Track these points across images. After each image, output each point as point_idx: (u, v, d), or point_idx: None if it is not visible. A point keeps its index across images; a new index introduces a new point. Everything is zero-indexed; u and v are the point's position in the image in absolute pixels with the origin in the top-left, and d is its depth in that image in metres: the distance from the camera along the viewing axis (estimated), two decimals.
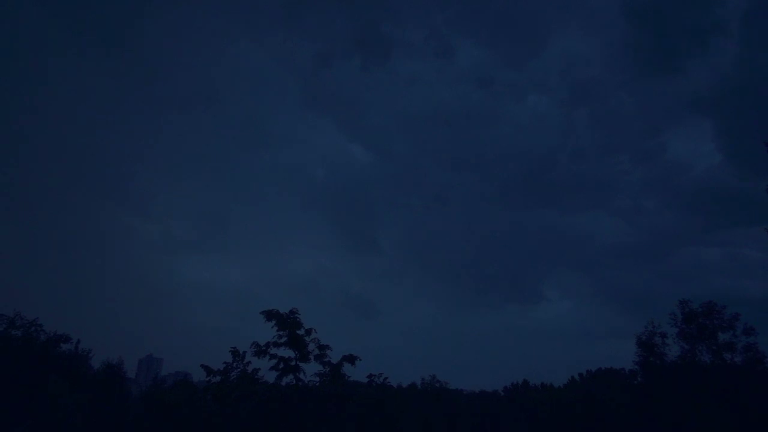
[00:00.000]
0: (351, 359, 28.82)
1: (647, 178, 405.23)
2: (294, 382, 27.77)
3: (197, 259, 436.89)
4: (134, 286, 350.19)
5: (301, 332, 28.08)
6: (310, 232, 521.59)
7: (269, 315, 27.90)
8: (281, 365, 27.58)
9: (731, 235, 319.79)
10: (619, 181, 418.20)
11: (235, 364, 28.25)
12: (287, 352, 27.93)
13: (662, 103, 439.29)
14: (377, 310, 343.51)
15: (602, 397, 51.30)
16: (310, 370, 28.61)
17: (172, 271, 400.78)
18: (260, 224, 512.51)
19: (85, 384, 43.17)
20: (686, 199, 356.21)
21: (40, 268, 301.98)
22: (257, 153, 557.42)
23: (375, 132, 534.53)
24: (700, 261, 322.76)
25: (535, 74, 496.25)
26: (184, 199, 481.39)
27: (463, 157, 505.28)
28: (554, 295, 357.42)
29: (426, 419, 52.66)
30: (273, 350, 27.77)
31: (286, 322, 27.91)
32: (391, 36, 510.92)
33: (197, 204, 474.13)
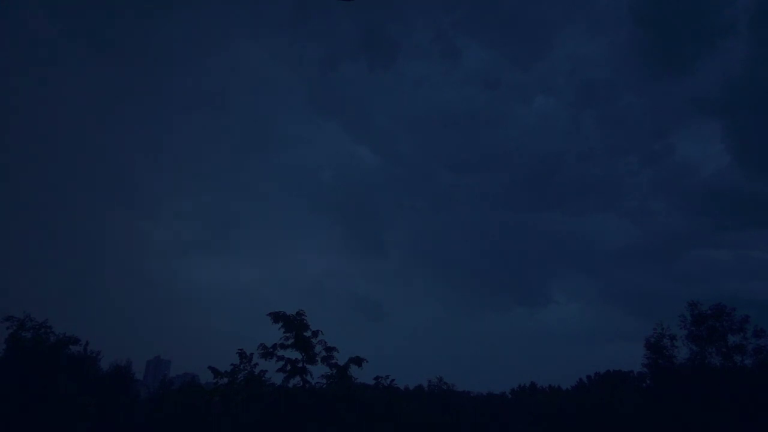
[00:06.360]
0: (358, 361, 28.86)
1: (655, 180, 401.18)
2: (301, 383, 27.86)
3: (205, 261, 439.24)
4: (143, 289, 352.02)
5: (308, 334, 28.17)
6: (317, 234, 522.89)
7: (276, 317, 28.04)
8: (288, 367, 27.68)
9: (741, 236, 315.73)
10: (626, 183, 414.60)
11: (242, 365, 28.38)
12: (294, 354, 28.05)
13: (670, 104, 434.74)
14: (384, 312, 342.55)
15: (610, 400, 50.91)
16: (317, 372, 28.72)
17: (180, 273, 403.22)
18: (267, 226, 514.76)
19: (94, 385, 43.48)
20: (695, 201, 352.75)
21: (50, 271, 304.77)
22: (264, 155, 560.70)
23: (381, 134, 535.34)
24: (709, 263, 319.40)
25: (542, 76, 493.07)
26: (192, 202, 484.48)
27: (469, 159, 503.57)
28: (562, 298, 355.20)
29: (433, 421, 52.49)
30: (280, 352, 27.91)
31: (293, 324, 28.02)
32: (397, 38, 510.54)
33: (205, 207, 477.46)
